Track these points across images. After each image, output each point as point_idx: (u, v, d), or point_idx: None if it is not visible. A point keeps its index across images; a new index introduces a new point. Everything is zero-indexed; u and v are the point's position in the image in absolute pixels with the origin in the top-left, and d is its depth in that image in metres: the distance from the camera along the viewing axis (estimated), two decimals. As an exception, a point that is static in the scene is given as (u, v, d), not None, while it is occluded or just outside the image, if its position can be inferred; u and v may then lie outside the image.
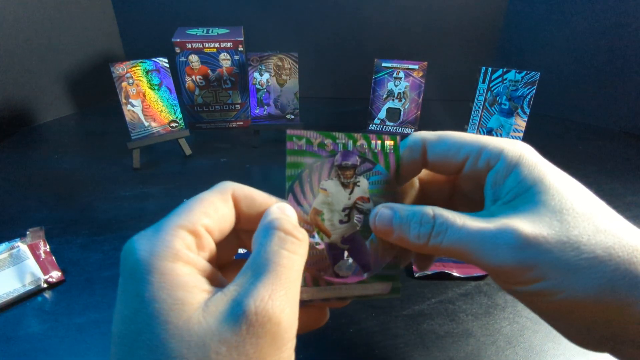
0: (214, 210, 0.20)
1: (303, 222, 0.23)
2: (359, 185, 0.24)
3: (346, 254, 0.24)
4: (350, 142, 0.24)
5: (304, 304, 0.23)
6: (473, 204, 0.25)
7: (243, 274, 0.18)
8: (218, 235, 0.21)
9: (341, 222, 0.24)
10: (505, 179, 0.21)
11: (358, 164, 0.24)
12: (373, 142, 0.24)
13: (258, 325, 0.16)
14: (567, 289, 0.18)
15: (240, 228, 0.23)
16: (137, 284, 0.17)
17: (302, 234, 0.21)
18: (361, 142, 0.24)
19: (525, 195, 0.21)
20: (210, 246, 0.20)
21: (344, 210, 0.24)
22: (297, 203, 0.23)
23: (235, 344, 0.16)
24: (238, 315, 0.16)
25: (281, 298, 0.17)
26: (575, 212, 0.19)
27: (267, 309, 0.17)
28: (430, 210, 0.22)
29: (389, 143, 0.24)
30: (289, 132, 0.23)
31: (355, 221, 0.24)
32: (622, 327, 0.19)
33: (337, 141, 0.23)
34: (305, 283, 0.23)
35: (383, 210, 0.23)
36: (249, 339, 0.16)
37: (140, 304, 0.17)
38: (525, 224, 0.19)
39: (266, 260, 0.18)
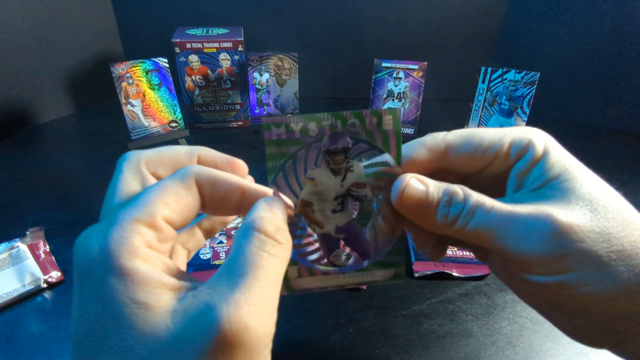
0: (175, 199, 0.18)
1: (291, 216, 0.21)
2: (352, 171, 0.22)
3: (342, 243, 0.23)
4: (339, 123, 0.21)
5: (298, 293, 0.23)
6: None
7: (218, 276, 0.17)
8: (180, 225, 0.19)
9: (334, 211, 0.22)
10: (532, 167, 0.21)
11: (349, 146, 0.21)
12: (367, 119, 0.21)
13: (232, 333, 0.15)
14: (595, 281, 0.18)
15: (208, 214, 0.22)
16: (95, 286, 0.16)
17: (285, 238, 0.19)
18: (352, 120, 0.21)
19: (554, 183, 0.20)
20: (172, 239, 0.19)
21: (336, 199, 0.22)
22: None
23: (208, 354, 0.15)
24: (210, 323, 0.15)
25: (258, 304, 0.16)
26: (605, 202, 0.19)
27: (242, 316, 0.15)
28: (459, 189, 0.21)
29: (387, 118, 0.21)
30: (264, 120, 0.20)
31: (350, 209, 0.22)
32: (638, 323, 0.18)
33: (323, 123, 0.21)
34: (299, 275, 0.22)
35: (414, 181, 0.21)
36: (222, 349, 0.15)
37: (102, 308, 0.15)
38: (559, 212, 0.19)
39: (244, 262, 0.17)
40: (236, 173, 0.22)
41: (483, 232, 0.20)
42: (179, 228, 0.19)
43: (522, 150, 0.21)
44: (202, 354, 0.15)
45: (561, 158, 0.21)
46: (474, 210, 0.20)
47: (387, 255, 0.23)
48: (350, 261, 0.23)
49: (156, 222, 0.17)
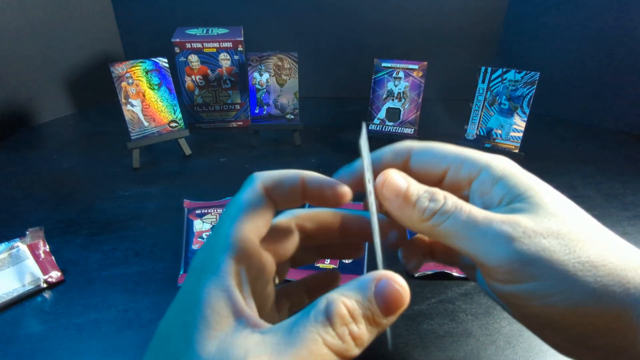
0: (263, 224, 0.21)
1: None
2: None
3: None
4: None
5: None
6: None
7: (275, 330, 0.17)
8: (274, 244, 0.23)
9: None
10: (493, 187, 0.22)
11: None
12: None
13: None
14: (562, 291, 0.18)
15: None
16: (195, 287, 0.18)
17: (354, 351, 0.17)
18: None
19: (520, 199, 0.20)
20: (259, 259, 0.21)
21: None
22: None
23: None
24: None
25: None
26: (570, 218, 0.20)
27: None
28: (439, 190, 0.22)
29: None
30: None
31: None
32: (615, 336, 0.18)
33: None
34: None
35: (395, 174, 0.22)
36: None
37: (186, 303, 0.18)
38: (527, 221, 0.19)
39: (300, 337, 0.16)
40: (340, 199, 0.22)
41: (455, 235, 0.20)
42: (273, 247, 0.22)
43: (474, 171, 0.22)
44: None
45: (523, 178, 0.21)
46: (452, 210, 0.20)
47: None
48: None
49: (251, 261, 0.20)
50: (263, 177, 0.22)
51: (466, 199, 0.23)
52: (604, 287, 0.18)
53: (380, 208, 0.23)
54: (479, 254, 0.20)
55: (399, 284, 0.18)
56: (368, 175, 0.22)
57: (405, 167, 0.24)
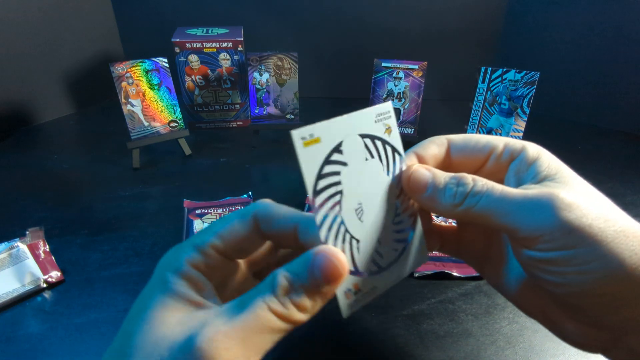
0: (229, 232, 0.22)
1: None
2: None
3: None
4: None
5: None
6: None
7: (227, 306, 0.19)
8: (235, 254, 0.23)
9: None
10: (529, 166, 0.23)
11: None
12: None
13: (199, 356, 0.17)
14: (598, 258, 0.19)
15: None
16: (150, 281, 0.21)
17: (298, 316, 0.19)
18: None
19: (551, 178, 0.22)
20: (221, 265, 0.22)
21: None
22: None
23: None
24: (190, 341, 0.18)
25: (233, 340, 0.18)
26: (597, 195, 0.21)
27: (212, 343, 0.17)
28: (466, 174, 0.23)
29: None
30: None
31: None
32: (633, 310, 0.19)
33: None
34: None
35: (420, 168, 0.24)
36: None
37: (140, 299, 0.21)
38: (564, 192, 0.20)
39: (248, 304, 0.19)
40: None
41: (491, 213, 0.21)
42: (236, 257, 0.24)
43: (515, 152, 0.24)
44: None
45: (555, 161, 0.23)
46: (484, 191, 0.22)
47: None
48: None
49: (206, 250, 0.22)
50: (260, 208, 0.23)
51: (502, 182, 0.24)
52: (637, 255, 0.19)
53: (410, 206, 0.24)
54: (519, 226, 0.20)
55: (335, 256, 0.19)
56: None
57: (446, 157, 0.26)
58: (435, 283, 0.41)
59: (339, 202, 0.21)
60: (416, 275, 0.41)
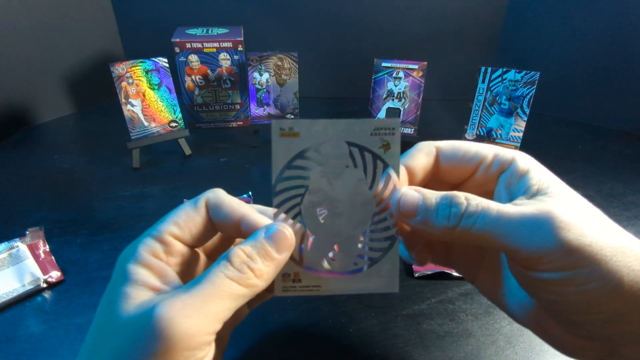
0: (184, 219, 0.23)
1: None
2: None
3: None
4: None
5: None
6: None
7: (187, 284, 0.20)
8: (193, 241, 0.23)
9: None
10: (520, 179, 0.22)
11: None
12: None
13: (158, 326, 0.17)
14: (599, 278, 0.18)
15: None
16: (113, 277, 0.22)
17: (254, 280, 0.21)
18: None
19: (545, 191, 0.21)
20: (180, 251, 0.23)
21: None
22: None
23: (142, 342, 0.18)
24: (148, 316, 0.18)
25: (192, 308, 0.18)
26: (592, 210, 0.21)
27: (170, 312, 0.18)
28: (458, 193, 0.22)
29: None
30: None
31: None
32: (631, 324, 0.19)
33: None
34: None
35: (408, 191, 0.23)
36: (151, 339, 0.18)
37: (106, 295, 0.21)
38: (560, 210, 0.20)
39: (203, 277, 0.20)
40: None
41: (490, 233, 0.20)
42: (194, 244, 0.24)
43: (505, 163, 0.24)
44: (138, 342, 0.18)
45: (545, 173, 0.23)
46: (479, 211, 0.21)
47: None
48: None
49: (164, 237, 0.22)
50: (211, 196, 0.24)
51: (492, 193, 0.24)
52: (634, 271, 0.19)
53: (403, 230, 0.24)
54: (520, 247, 0.20)
55: (286, 228, 0.22)
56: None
57: (435, 166, 0.25)
58: (435, 283, 0.41)
59: (301, 195, 0.23)
60: (416, 275, 0.41)
